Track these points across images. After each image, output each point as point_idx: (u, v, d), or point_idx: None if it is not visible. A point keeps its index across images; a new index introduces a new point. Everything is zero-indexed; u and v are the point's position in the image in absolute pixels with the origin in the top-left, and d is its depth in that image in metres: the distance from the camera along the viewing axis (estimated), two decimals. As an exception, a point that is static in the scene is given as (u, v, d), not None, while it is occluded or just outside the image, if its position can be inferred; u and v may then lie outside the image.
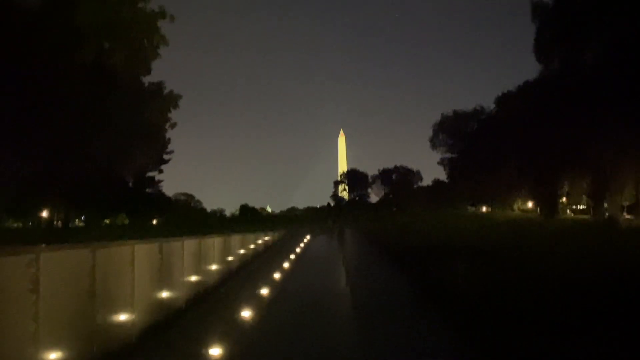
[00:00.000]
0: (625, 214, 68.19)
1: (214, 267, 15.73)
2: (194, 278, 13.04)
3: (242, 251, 22.78)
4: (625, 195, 72.57)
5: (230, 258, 19.31)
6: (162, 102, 44.25)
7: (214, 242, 15.27)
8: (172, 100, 46.26)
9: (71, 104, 34.08)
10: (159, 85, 45.40)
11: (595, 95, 40.94)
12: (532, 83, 71.50)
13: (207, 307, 12.76)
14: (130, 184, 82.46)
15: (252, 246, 26.94)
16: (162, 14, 40.53)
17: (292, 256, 26.51)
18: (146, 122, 41.49)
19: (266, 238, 34.25)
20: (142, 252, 8.80)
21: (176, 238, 11.76)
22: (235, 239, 19.84)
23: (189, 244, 12.44)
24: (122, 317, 7.95)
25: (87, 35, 34.80)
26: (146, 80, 45.20)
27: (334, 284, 18.37)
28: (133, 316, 8.26)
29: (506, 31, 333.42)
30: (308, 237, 45.20)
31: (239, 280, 18.06)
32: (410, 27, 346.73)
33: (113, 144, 39.61)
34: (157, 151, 53.49)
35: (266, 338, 10.04)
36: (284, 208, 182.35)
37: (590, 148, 51.13)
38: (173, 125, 58.97)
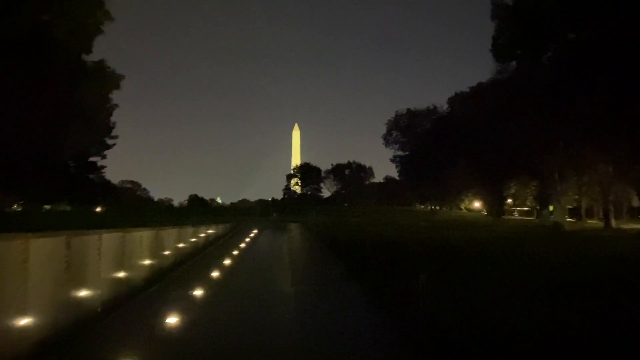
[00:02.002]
0: (567, 216, 69.96)
1: (145, 262, 14.24)
2: (117, 275, 11.53)
3: (180, 245, 21.26)
4: (568, 199, 74.83)
5: (166, 252, 17.83)
6: (103, 82, 41.44)
7: (142, 237, 13.68)
8: (114, 81, 43.51)
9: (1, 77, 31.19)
10: (100, 64, 42.57)
11: (545, 100, 41.28)
12: (485, 85, 72.41)
13: (125, 311, 11.27)
14: (72, 169, 78.53)
15: (193, 239, 25.37)
16: (106, -14, 37.92)
17: (236, 252, 25.08)
18: (83, 102, 38.64)
19: (210, 231, 32.55)
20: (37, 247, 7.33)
21: (89, 232, 10.15)
22: (171, 232, 18.16)
23: (109, 239, 10.88)
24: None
25: (21, 4, 31.90)
26: (88, 59, 42.34)
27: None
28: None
29: (465, 31, 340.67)
30: (255, 230, 43.69)
31: (172, 278, 16.49)
32: (367, 24, 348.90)
33: (47, 123, 36.77)
34: (97, 134, 50.40)
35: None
36: (236, 200, 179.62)
37: (538, 152, 51.93)
38: (114, 107, 55.91)
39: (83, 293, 9.38)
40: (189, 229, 22.99)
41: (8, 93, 32.46)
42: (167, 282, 15.22)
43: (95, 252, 9.91)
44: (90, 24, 38.16)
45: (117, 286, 11.44)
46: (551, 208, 68.71)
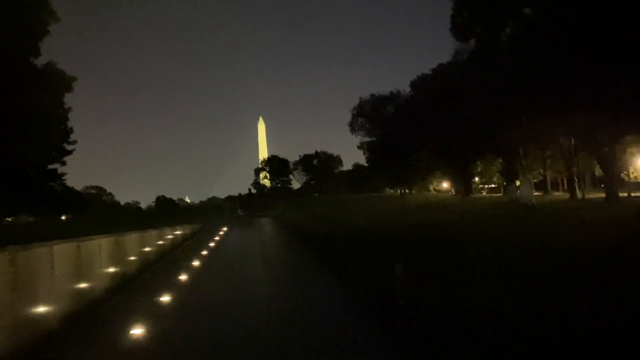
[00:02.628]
0: (534, 190, 71.14)
1: (106, 271, 13.45)
2: (74, 287, 10.76)
3: (147, 249, 20.43)
4: (534, 174, 76.26)
5: (131, 258, 17.03)
6: (52, 84, 39.58)
7: (101, 245, 12.89)
8: (65, 83, 41.65)
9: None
10: (49, 66, 40.66)
11: (505, 76, 41.45)
12: (445, 66, 72.66)
13: (86, 326, 10.54)
14: (30, 178, 75.66)
15: (159, 242, 24.53)
16: (49, -16, 36.02)
17: (205, 252, 24.33)
18: (32, 106, 36.77)
19: (177, 232, 31.63)
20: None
21: (38, 244, 9.36)
22: (132, 238, 17.31)
23: (63, 251, 10.12)
24: None
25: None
26: (36, 61, 40.32)
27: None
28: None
29: (425, 13, 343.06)
30: (225, 228, 42.78)
31: (137, 285, 15.71)
32: (326, 13, 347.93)
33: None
34: (51, 139, 48.31)
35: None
36: (205, 198, 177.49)
37: (501, 130, 52.40)
38: (68, 111, 53.68)
39: (36, 310, 8.65)
40: (153, 233, 22.03)
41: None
42: (132, 289, 14.45)
43: (47, 266, 9.17)
44: (34, 24, 36.36)
45: (75, 299, 10.69)
46: (518, 183, 69.71)
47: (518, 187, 67.54)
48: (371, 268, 13.08)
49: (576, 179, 61.16)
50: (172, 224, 37.96)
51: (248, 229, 44.08)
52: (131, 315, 10.61)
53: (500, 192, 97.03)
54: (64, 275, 10.04)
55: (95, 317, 11.12)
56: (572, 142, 58.90)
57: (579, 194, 58.09)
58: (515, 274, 11.26)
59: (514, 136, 52.17)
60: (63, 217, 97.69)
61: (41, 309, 8.81)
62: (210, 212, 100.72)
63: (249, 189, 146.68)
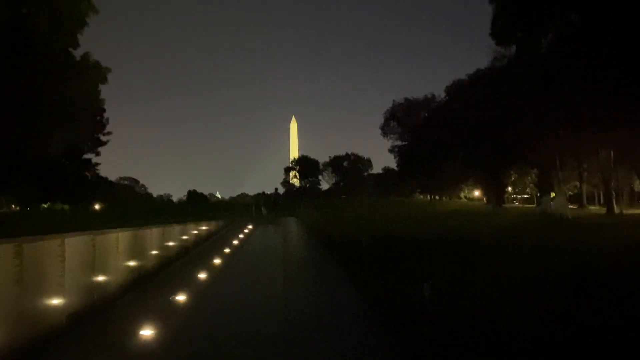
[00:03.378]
0: (568, 203, 69.11)
1: (124, 265, 13.21)
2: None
3: (170, 243, 20.29)
4: (569, 186, 74.06)
5: (153, 252, 16.83)
6: (87, 75, 40.12)
7: (118, 239, 12.60)
8: (100, 74, 42.21)
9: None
10: (85, 57, 41.28)
11: (544, 85, 40.13)
12: (482, 72, 71.08)
13: (97, 322, 10.24)
14: (65, 167, 77.48)
15: (184, 237, 24.38)
16: (90, -22, 36.52)
17: (227, 249, 24.03)
18: (68, 97, 37.35)
19: (203, 228, 31.52)
20: None
21: (49, 236, 9.07)
22: (153, 232, 16.99)
23: (75, 244, 9.84)
24: None
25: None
26: (74, 52, 40.94)
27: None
28: None
29: (463, 18, 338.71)
30: (250, 226, 42.51)
31: (157, 281, 15.44)
32: (364, 15, 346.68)
33: (30, 119, 35.52)
34: (86, 130, 49.15)
35: None
36: (234, 194, 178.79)
37: (538, 140, 50.89)
38: (103, 102, 54.61)
39: (42, 306, 8.36)
40: (176, 228, 21.83)
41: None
42: (149, 287, 14.16)
43: (57, 260, 8.89)
44: (73, 16, 36.88)
45: (86, 294, 10.42)
46: (552, 195, 67.78)
47: (552, 200, 65.67)
48: (398, 280, 12.36)
49: (614, 194, 59.19)
50: (199, 219, 37.98)
51: (273, 228, 43.54)
52: (144, 314, 10.26)
53: (533, 203, 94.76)
54: (75, 269, 9.73)
55: (106, 314, 10.81)
56: (612, 155, 56.97)
57: (616, 209, 56.08)
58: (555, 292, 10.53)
59: (550, 147, 50.58)
60: (97, 206, 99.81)
61: (48, 304, 8.51)
62: (238, 208, 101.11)
63: (275, 189, 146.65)
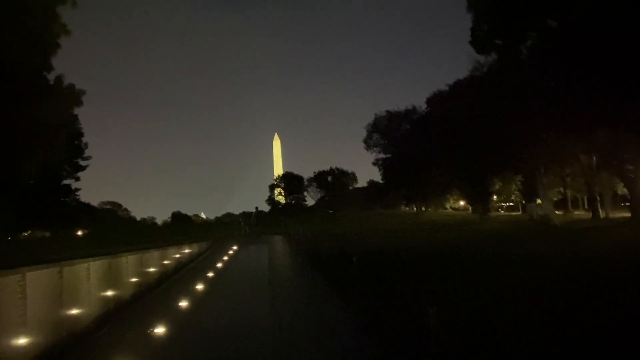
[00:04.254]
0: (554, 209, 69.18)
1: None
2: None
3: (151, 269, 19.32)
4: (553, 192, 74.20)
5: (131, 280, 15.91)
6: (61, 98, 39.03)
7: (89, 269, 11.69)
8: (74, 97, 41.15)
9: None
10: (59, 80, 40.24)
11: (525, 92, 40.09)
12: (463, 81, 71.32)
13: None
14: (43, 193, 75.71)
15: (166, 262, 23.42)
16: (62, -1, 35.60)
17: (211, 273, 23.05)
18: (41, 120, 36.19)
19: (186, 251, 30.50)
20: None
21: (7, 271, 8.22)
22: (129, 260, 15.96)
23: (41, 277, 8.98)
24: None
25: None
26: (50, 75, 39.87)
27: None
28: None
29: (441, 30, 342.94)
30: (235, 247, 41.40)
31: (131, 313, 14.49)
32: (341, 29, 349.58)
33: (1, 144, 34.25)
34: (61, 154, 47.74)
35: None
36: (220, 214, 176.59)
37: (521, 147, 50.80)
38: (80, 127, 53.58)
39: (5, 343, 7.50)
40: (155, 253, 20.78)
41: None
42: (126, 317, 13.24)
43: (15, 296, 8.04)
44: (45, 37, 35.92)
45: (53, 331, 9.53)
46: (538, 201, 67.83)
47: (539, 206, 65.65)
48: (391, 297, 11.59)
49: (598, 198, 59.32)
50: (184, 241, 36.89)
51: (258, 246, 42.26)
52: (119, 351, 9.39)
53: (518, 211, 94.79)
54: (41, 304, 8.87)
55: (77, 352, 9.91)
56: (594, 159, 57.17)
57: (601, 213, 56.12)
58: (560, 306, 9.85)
59: (534, 153, 50.54)
60: (79, 232, 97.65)
61: (7, 346, 7.64)
62: (224, 228, 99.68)
63: (256, 207, 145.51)
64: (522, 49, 38.67)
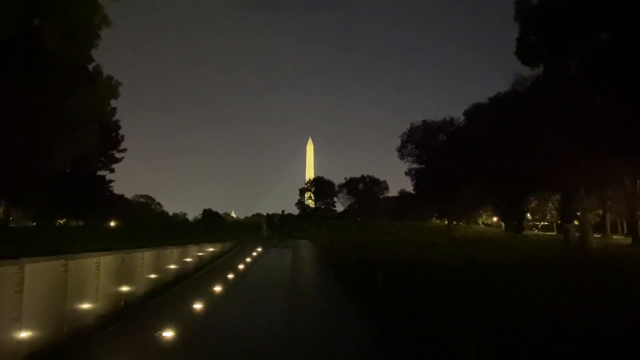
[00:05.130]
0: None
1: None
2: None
3: (172, 266, 18.89)
4: (592, 214, 71.46)
5: (151, 276, 15.44)
6: (98, 89, 39.32)
7: (99, 264, 11.15)
8: (111, 88, 41.38)
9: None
10: (96, 70, 40.53)
11: (571, 108, 38.40)
12: (504, 95, 69.46)
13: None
14: (78, 183, 77.13)
15: (187, 259, 23.00)
16: (106, -10, 35.88)
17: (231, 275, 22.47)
18: (77, 110, 36.46)
19: (209, 249, 30.09)
20: None
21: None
22: (146, 256, 15.36)
23: (41, 270, 8.46)
24: None
25: (7, 10, 29.85)
26: (85, 65, 40.17)
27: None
28: None
29: (481, 42, 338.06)
30: (259, 249, 40.83)
31: (145, 312, 13.93)
32: (381, 35, 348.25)
33: (38, 133, 34.67)
34: (95, 144, 48.17)
35: None
36: (249, 214, 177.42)
37: (562, 166, 48.86)
38: (113, 117, 54.16)
39: None
40: (174, 251, 20.25)
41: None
42: (135, 316, 12.67)
43: (11, 289, 7.52)
44: (85, 28, 36.23)
45: (53, 327, 9.01)
46: (576, 223, 65.32)
47: (576, 228, 63.25)
48: (422, 322, 10.59)
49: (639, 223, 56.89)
50: (209, 240, 36.55)
51: (283, 252, 40.85)
52: (119, 354, 8.78)
53: (553, 231, 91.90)
54: (38, 300, 8.33)
55: (77, 352, 9.34)
56: (638, 183, 54.87)
57: (642, 239, 53.68)
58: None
59: (576, 173, 48.49)
60: (112, 224, 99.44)
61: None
62: (251, 228, 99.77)
63: (282, 211, 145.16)
64: (570, 63, 36.91)
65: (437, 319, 11.26)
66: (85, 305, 10.33)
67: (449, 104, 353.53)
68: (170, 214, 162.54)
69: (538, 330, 10.38)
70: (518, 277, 20.33)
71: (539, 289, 16.65)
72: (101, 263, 11.07)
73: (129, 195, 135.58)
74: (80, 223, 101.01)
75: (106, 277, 11.49)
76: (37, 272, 8.24)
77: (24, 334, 7.84)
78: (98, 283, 10.91)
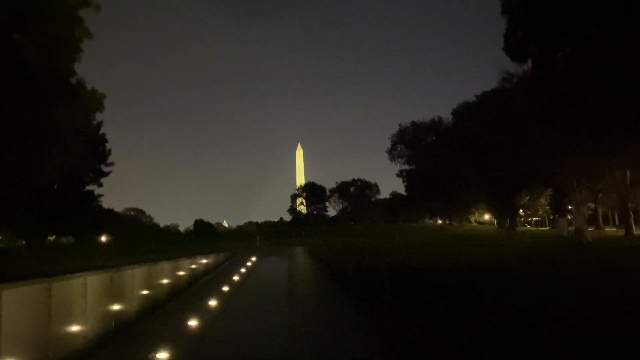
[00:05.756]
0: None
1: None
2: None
3: (164, 280, 18.31)
4: (584, 207, 71.62)
5: (142, 292, 14.86)
6: (81, 102, 38.68)
7: (86, 284, 10.61)
8: (95, 101, 40.77)
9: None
10: (79, 84, 39.93)
11: (561, 103, 38.32)
12: (491, 92, 69.66)
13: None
14: (66, 198, 76.22)
15: (180, 273, 22.40)
16: (85, 2, 35.32)
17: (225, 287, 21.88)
18: (62, 124, 35.81)
19: (202, 261, 29.48)
20: None
21: None
22: (135, 273, 14.70)
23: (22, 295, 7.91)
24: None
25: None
26: (67, 79, 39.50)
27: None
28: None
29: (466, 41, 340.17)
30: (254, 258, 40.19)
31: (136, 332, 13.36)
32: (366, 39, 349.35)
33: (23, 148, 34.01)
34: (82, 158, 47.40)
35: None
36: (242, 222, 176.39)
37: (554, 161, 48.88)
38: (99, 130, 53.57)
39: None
40: (166, 265, 19.63)
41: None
42: (126, 339, 12.09)
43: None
44: (67, 41, 35.61)
45: (43, 351, 8.47)
46: (568, 217, 65.42)
47: (569, 221, 63.34)
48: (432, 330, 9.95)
49: (632, 215, 57.02)
50: (203, 251, 35.76)
51: (278, 261, 39.80)
52: None
53: (546, 226, 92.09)
54: (18, 325, 7.79)
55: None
56: (628, 174, 54.99)
57: (635, 230, 53.76)
58: None
59: (567, 167, 48.49)
60: (103, 238, 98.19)
61: None
62: (244, 237, 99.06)
63: (281, 218, 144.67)
64: (559, 57, 36.80)
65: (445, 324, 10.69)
66: (73, 329, 9.78)
67: (438, 104, 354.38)
68: (162, 225, 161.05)
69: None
70: (521, 274, 19.84)
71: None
72: (88, 283, 10.53)
73: (119, 209, 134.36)
74: (72, 239, 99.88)
75: (94, 297, 10.93)
76: (17, 297, 7.70)
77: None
78: (86, 305, 10.36)
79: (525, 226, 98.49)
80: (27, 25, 32.97)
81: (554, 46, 35.34)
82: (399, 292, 12.84)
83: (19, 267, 26.57)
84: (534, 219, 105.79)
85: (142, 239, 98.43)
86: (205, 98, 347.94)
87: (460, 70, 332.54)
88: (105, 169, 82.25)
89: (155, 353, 10.17)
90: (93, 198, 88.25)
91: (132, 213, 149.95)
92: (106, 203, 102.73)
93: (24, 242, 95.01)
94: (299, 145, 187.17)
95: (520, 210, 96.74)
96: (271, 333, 13.10)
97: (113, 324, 12.05)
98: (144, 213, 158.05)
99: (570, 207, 63.73)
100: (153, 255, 31.98)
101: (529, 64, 41.77)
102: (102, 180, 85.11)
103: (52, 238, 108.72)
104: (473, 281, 17.94)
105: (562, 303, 13.03)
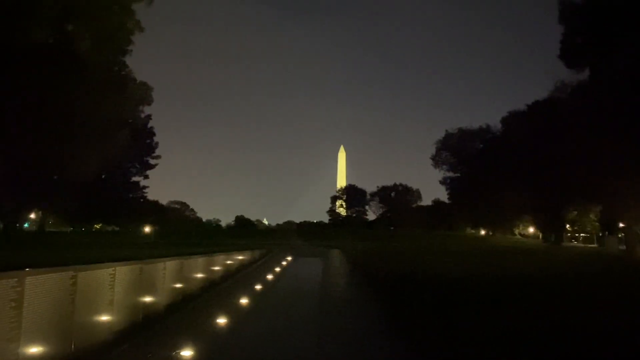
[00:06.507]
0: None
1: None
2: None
3: (199, 275, 18.19)
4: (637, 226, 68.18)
5: (175, 285, 14.72)
6: (129, 94, 39.28)
7: (115, 275, 10.42)
8: (143, 93, 41.34)
9: (23, 93, 29.17)
10: (128, 75, 40.57)
11: (613, 115, 36.42)
12: (542, 102, 67.30)
13: None
14: (112, 188, 78.37)
15: (215, 268, 22.30)
16: (138, -4, 35.79)
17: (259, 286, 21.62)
18: (109, 114, 36.43)
19: (238, 257, 29.40)
20: None
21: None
22: (168, 266, 14.53)
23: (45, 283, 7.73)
24: None
25: (41, 14, 29.94)
26: (117, 70, 40.28)
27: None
28: None
29: (518, 45, 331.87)
30: (289, 258, 39.89)
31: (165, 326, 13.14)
32: (415, 42, 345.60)
33: (70, 137, 34.78)
34: (127, 149, 48.21)
35: None
36: (281, 221, 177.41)
37: (602, 174, 46.55)
38: (146, 121, 54.55)
39: None
40: (200, 260, 19.47)
41: (26, 105, 30.59)
42: (154, 333, 11.86)
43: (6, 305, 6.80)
44: (118, 34, 36.26)
45: (65, 340, 8.28)
46: (619, 235, 62.47)
47: (619, 239, 60.54)
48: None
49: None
50: (240, 246, 35.61)
51: (313, 263, 38.80)
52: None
53: (593, 243, 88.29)
54: (39, 313, 7.59)
55: None
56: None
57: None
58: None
59: (621, 183, 46.08)
60: (147, 229, 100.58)
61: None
62: (282, 236, 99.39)
63: (319, 221, 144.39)
64: (620, 65, 34.87)
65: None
66: (98, 320, 9.60)
67: (483, 113, 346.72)
68: (204, 220, 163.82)
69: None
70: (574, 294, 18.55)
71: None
72: (117, 274, 10.34)
73: (163, 201, 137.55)
74: (116, 228, 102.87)
75: (123, 288, 10.76)
76: (40, 284, 7.52)
77: (23, 351, 7.11)
78: (113, 295, 10.18)
79: (572, 242, 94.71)
80: (80, 16, 33.71)
81: (615, 53, 33.48)
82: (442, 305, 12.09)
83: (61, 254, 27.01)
84: (581, 235, 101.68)
85: (183, 230, 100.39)
86: (252, 97, 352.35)
87: (507, 78, 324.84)
88: (152, 162, 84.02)
89: (181, 350, 9.90)
90: (138, 189, 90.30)
91: (176, 206, 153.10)
92: (151, 195, 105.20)
93: (71, 228, 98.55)
94: (342, 148, 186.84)
95: (567, 225, 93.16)
96: (302, 336, 12.67)
97: (141, 316, 11.86)
98: (188, 206, 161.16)
99: (622, 225, 60.75)
100: (192, 248, 31.97)
101: (586, 72, 39.86)
102: (149, 172, 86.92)
103: (98, 226, 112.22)
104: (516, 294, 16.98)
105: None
